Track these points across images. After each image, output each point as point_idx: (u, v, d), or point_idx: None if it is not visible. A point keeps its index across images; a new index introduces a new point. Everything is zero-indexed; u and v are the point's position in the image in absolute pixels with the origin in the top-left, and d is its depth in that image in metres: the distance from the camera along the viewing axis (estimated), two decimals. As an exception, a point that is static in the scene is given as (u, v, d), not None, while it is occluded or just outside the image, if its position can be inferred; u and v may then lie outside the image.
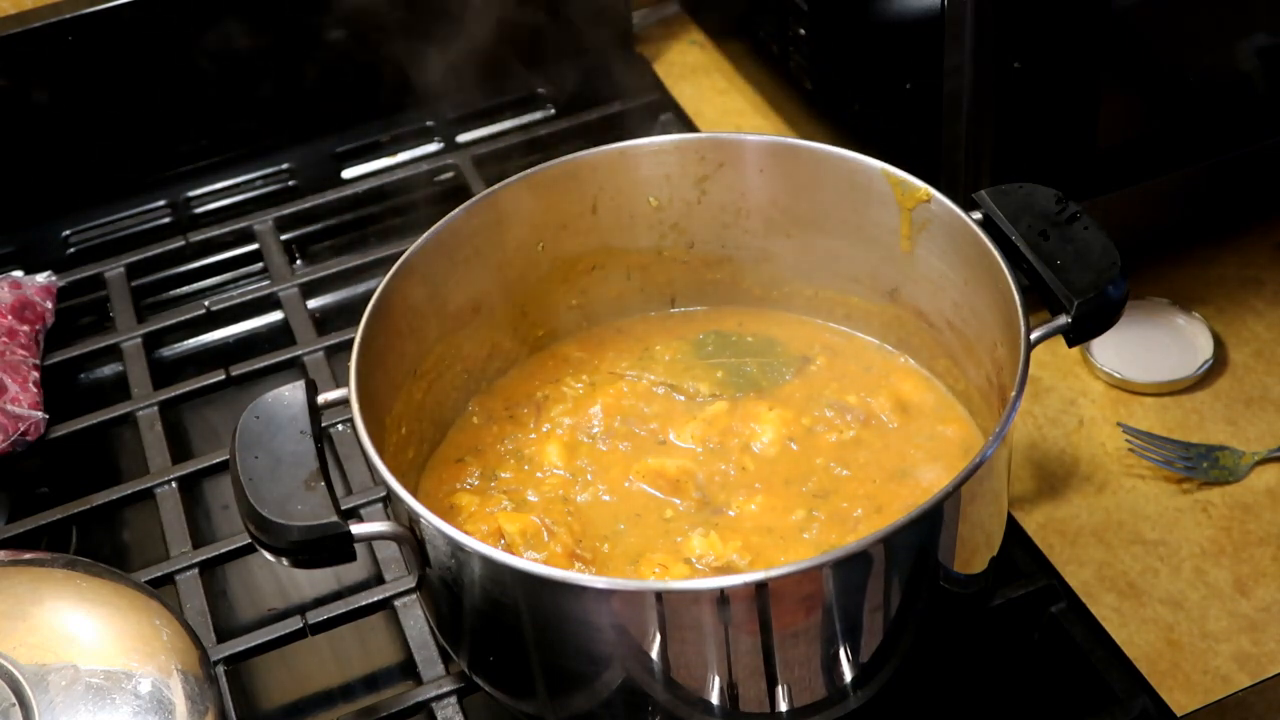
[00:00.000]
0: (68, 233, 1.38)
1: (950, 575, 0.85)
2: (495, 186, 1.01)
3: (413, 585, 1.00)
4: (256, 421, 0.85)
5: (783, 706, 0.84)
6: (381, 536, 0.84)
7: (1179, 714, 0.92)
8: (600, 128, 1.38)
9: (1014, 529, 1.02)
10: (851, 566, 0.78)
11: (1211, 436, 1.08)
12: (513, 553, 0.90)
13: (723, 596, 0.77)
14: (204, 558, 1.05)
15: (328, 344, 1.20)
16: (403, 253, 0.96)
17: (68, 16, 1.29)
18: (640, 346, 1.07)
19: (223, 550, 1.06)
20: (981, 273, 0.92)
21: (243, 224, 1.34)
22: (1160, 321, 1.15)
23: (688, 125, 1.40)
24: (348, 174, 1.42)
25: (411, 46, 1.42)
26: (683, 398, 1.03)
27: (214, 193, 1.41)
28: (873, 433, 0.99)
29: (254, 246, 1.33)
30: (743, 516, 0.94)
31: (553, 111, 1.45)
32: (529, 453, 1.00)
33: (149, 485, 1.11)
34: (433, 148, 1.43)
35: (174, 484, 1.11)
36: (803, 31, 1.26)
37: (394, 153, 1.43)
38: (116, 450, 1.19)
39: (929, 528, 0.81)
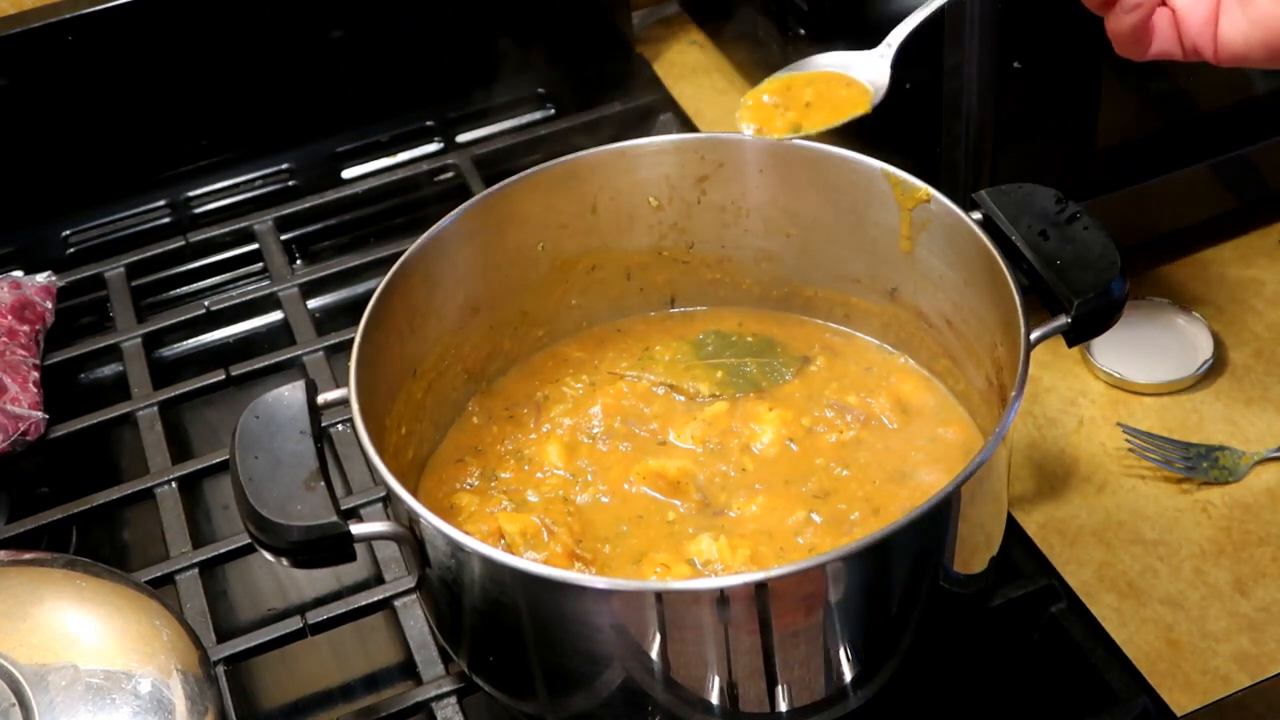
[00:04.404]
0: (68, 233, 1.38)
1: (950, 575, 0.85)
2: (495, 186, 1.01)
3: (413, 585, 1.00)
4: (256, 421, 0.85)
5: (783, 706, 0.84)
6: (381, 536, 0.84)
7: (1179, 714, 0.92)
8: (600, 128, 1.38)
9: (1014, 529, 1.02)
10: (851, 566, 0.78)
11: (1211, 436, 1.08)
12: (513, 553, 0.90)
13: (722, 597, 0.77)
14: (204, 558, 1.05)
15: (328, 344, 1.20)
16: (403, 253, 0.96)
17: (68, 16, 1.29)
18: (640, 346, 1.08)
19: (223, 550, 1.06)
20: (981, 273, 0.92)
21: (243, 224, 1.34)
22: (1160, 321, 1.15)
23: (688, 125, 1.40)
24: (348, 174, 1.42)
25: (412, 46, 1.42)
26: (683, 398, 1.03)
27: (214, 193, 1.41)
28: (872, 433, 0.99)
29: (254, 246, 1.33)
30: (743, 518, 0.94)
31: (553, 111, 1.45)
32: (529, 453, 1.00)
33: (149, 485, 1.11)
34: (433, 148, 1.43)
35: (174, 484, 1.11)
36: (803, 32, 1.26)
37: (394, 153, 1.43)
38: (116, 450, 1.19)
39: (929, 528, 0.81)
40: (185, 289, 1.34)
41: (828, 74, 0.95)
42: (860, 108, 0.93)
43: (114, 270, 1.30)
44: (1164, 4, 0.83)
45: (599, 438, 1.00)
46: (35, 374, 1.17)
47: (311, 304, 1.27)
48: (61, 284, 1.28)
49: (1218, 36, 0.82)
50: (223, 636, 1.01)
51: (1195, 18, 0.83)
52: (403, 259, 0.96)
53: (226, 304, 1.27)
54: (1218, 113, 1.14)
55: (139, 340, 1.24)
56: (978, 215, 0.93)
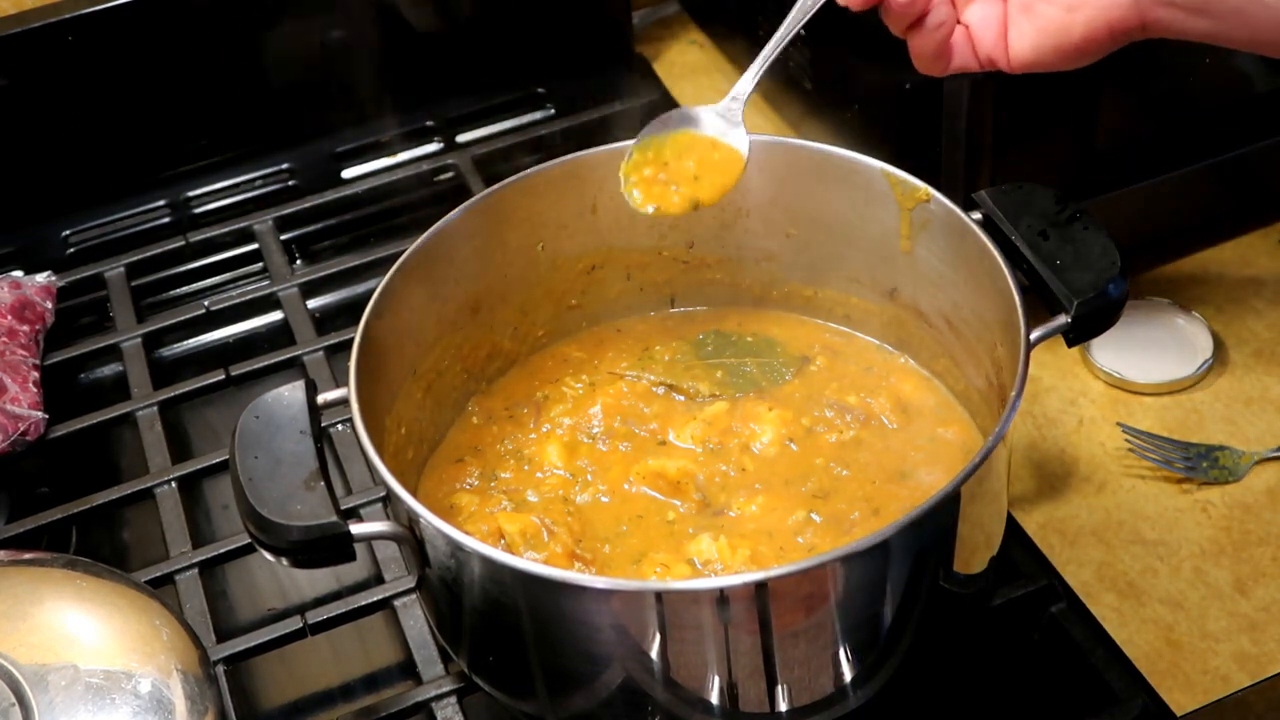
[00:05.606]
0: (68, 233, 1.38)
1: (950, 575, 0.85)
2: (495, 186, 1.01)
3: (413, 585, 1.00)
4: (256, 421, 0.85)
5: (783, 706, 0.84)
6: (381, 536, 0.84)
7: (1179, 714, 0.92)
8: (600, 128, 1.38)
9: (1014, 529, 1.02)
10: (852, 566, 0.78)
11: (1211, 436, 1.08)
12: (513, 553, 0.90)
13: (722, 596, 0.77)
14: (204, 558, 1.05)
15: (328, 344, 1.20)
16: (403, 253, 0.96)
17: (67, 16, 1.29)
18: (640, 346, 1.08)
19: (223, 550, 1.06)
20: (981, 273, 0.92)
21: (243, 224, 1.34)
22: (1160, 321, 1.15)
23: (688, 125, 1.40)
24: (348, 174, 1.42)
25: (412, 46, 1.42)
26: (682, 398, 1.03)
27: (214, 193, 1.41)
28: (872, 433, 0.99)
29: (254, 246, 1.33)
30: (743, 518, 0.94)
31: (553, 111, 1.45)
32: (529, 453, 1.00)
33: (149, 485, 1.11)
34: (433, 148, 1.43)
35: (174, 484, 1.11)
36: (803, 31, 1.25)
37: (394, 153, 1.43)
38: (116, 450, 1.19)
39: (929, 528, 0.81)
40: (185, 289, 1.34)
41: (691, 137, 0.96)
42: (738, 165, 0.95)
43: (114, 270, 1.30)
44: (959, 23, 0.89)
45: (599, 438, 1.00)
46: (35, 374, 1.17)
47: (311, 304, 1.27)
48: (61, 284, 1.28)
49: (1009, 48, 0.88)
50: (223, 636, 1.01)
51: (988, 33, 0.88)
52: (403, 259, 0.96)
53: (226, 304, 1.27)
54: (1218, 113, 1.14)
55: (139, 340, 1.24)
56: (978, 215, 0.93)
